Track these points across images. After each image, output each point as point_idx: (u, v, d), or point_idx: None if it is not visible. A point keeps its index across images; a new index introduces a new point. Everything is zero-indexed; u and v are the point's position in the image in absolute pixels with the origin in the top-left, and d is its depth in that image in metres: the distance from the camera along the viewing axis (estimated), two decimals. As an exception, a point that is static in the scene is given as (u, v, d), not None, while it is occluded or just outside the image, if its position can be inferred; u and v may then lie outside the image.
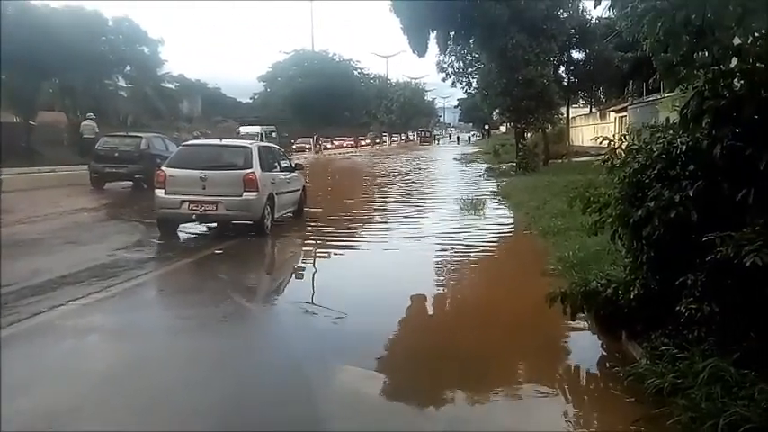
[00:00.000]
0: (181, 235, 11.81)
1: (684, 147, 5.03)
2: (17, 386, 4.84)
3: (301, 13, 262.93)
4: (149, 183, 16.11)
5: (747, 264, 4.08)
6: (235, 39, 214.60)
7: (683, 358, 4.48)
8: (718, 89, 4.81)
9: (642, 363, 4.81)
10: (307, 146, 57.30)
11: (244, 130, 40.52)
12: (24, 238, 11.14)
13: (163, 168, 11.74)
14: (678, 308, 4.69)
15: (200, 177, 11.21)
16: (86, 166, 21.26)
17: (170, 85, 48.42)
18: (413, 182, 26.79)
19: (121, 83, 43.41)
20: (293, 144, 56.68)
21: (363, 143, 78.24)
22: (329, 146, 61.53)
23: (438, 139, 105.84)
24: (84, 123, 26.26)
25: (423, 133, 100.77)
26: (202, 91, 62.87)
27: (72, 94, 37.03)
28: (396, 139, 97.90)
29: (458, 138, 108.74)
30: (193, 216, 11.25)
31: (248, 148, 12.13)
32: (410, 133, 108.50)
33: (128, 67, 41.44)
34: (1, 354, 5.50)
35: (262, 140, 27.45)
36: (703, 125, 4.85)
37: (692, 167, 4.94)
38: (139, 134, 22.58)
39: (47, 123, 35.45)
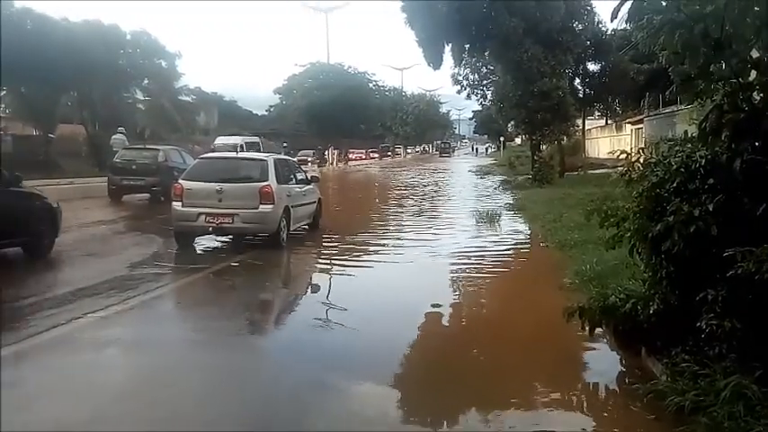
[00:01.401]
0: (197, 247, 11.86)
1: (704, 160, 4.98)
2: (36, 398, 4.87)
3: (316, 26, 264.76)
4: (166, 195, 16.26)
5: (769, 279, 4.03)
6: (251, 52, 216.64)
7: (704, 375, 4.41)
8: (737, 102, 4.77)
9: (662, 380, 4.75)
10: (309, 158, 51.87)
11: (220, 140, 35.13)
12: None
13: (180, 181, 11.84)
14: (699, 324, 4.63)
15: (217, 190, 11.28)
16: (104, 179, 21.48)
17: (187, 98, 48.86)
18: (428, 195, 26.77)
19: (139, 96, 43.94)
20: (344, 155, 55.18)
21: (374, 155, 77.54)
22: (335, 158, 60.01)
23: (454, 150, 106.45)
24: (114, 137, 26.61)
25: (442, 145, 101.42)
26: (219, 103, 63.31)
27: (90, 106, 37.51)
28: (410, 151, 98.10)
29: (476, 149, 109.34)
30: (210, 228, 11.31)
31: (264, 160, 12.19)
32: (426, 145, 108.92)
33: (145, 80, 41.94)
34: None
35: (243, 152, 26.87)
36: (722, 139, 4.81)
37: (711, 181, 4.89)
38: (157, 147, 22.80)
39: (65, 136, 35.90)
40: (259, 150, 29.09)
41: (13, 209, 9.77)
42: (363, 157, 71.67)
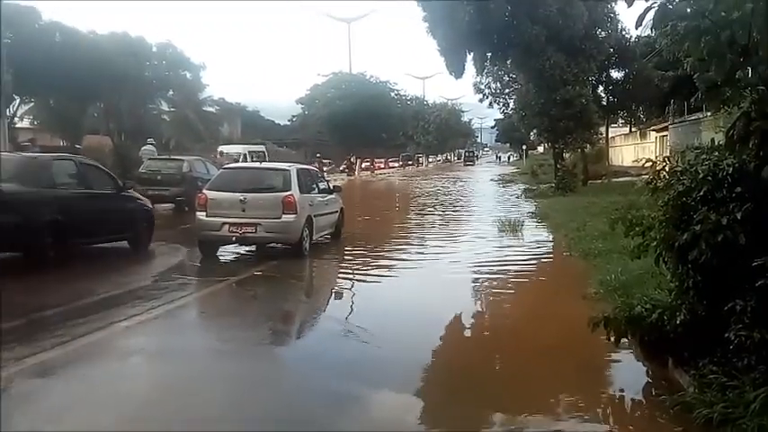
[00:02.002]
0: (221, 257, 11.94)
1: (731, 168, 4.91)
2: (62, 408, 4.93)
3: (339, 35, 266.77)
4: (191, 205, 16.40)
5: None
6: (274, 63, 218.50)
7: (732, 387, 4.33)
8: (765, 110, 4.70)
9: (690, 391, 4.67)
10: (325, 168, 48.09)
11: (224, 149, 33.74)
12: (68, 259, 11.35)
13: (204, 191, 11.95)
14: (727, 335, 4.56)
15: (240, 200, 11.37)
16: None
17: (211, 109, 49.43)
18: (452, 203, 26.73)
19: (164, 107, 44.58)
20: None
21: (394, 165, 76.09)
22: (357, 168, 58.86)
23: (477, 158, 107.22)
24: (144, 148, 26.93)
25: (467, 153, 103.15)
26: (242, 114, 63.85)
27: (117, 117, 38.08)
28: (432, 160, 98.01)
29: (499, 157, 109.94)
30: (233, 238, 11.39)
31: (287, 170, 12.26)
32: (448, 153, 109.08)
33: (170, 92, 42.55)
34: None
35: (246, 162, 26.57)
36: (750, 146, 4.73)
37: (739, 190, 4.82)
38: (181, 157, 23.04)
39: (92, 147, 36.36)
40: (264, 159, 28.50)
41: (124, 210, 12.22)
42: (382, 166, 69.64)
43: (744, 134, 4.74)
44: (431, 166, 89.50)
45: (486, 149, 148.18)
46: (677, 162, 5.78)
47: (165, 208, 20.78)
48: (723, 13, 4.87)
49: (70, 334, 6.69)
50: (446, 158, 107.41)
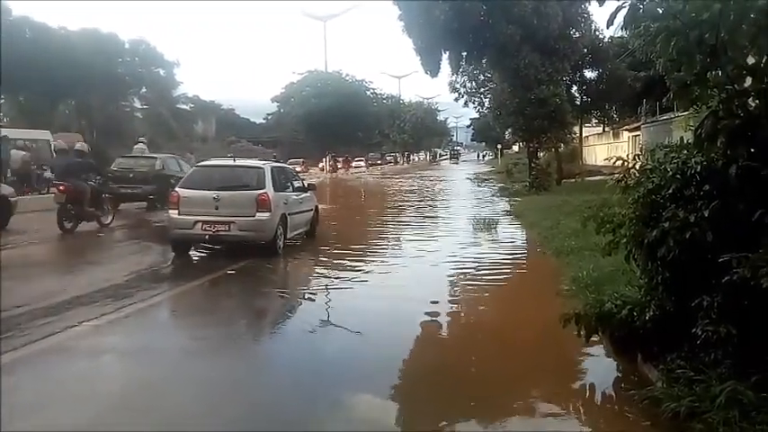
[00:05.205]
0: (194, 255, 11.83)
1: (699, 167, 4.98)
2: (30, 407, 4.85)
3: (314, 34, 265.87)
4: (163, 203, 16.26)
5: (765, 285, 4.02)
6: (249, 60, 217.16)
7: (699, 381, 4.40)
8: (732, 109, 4.77)
9: (658, 386, 4.73)
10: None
11: None
12: (38, 258, 11.22)
13: (177, 189, 11.81)
14: (694, 330, 4.62)
15: (214, 198, 11.26)
16: (101, 187, 21.44)
17: (185, 106, 49.13)
18: (426, 202, 26.81)
19: (137, 104, 44.22)
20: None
21: (361, 164, 72.37)
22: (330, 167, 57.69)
23: (460, 155, 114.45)
24: (135, 147, 26.54)
25: (453, 152, 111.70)
26: (216, 112, 63.43)
27: (88, 115, 37.65)
28: (412, 158, 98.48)
29: (479, 155, 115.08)
30: (206, 236, 11.27)
31: (261, 168, 12.18)
32: (427, 153, 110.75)
33: (144, 89, 42.21)
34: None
35: None
36: (718, 145, 4.80)
37: (707, 187, 4.88)
38: (154, 155, 22.81)
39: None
40: (50, 149, 23.93)
41: None
42: (342, 166, 64.32)
43: (712, 133, 4.80)
44: (406, 164, 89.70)
45: (456, 148, 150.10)
46: (647, 160, 5.85)
47: (138, 206, 20.58)
48: (693, 14, 4.93)
49: (39, 333, 6.60)
50: (430, 156, 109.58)
